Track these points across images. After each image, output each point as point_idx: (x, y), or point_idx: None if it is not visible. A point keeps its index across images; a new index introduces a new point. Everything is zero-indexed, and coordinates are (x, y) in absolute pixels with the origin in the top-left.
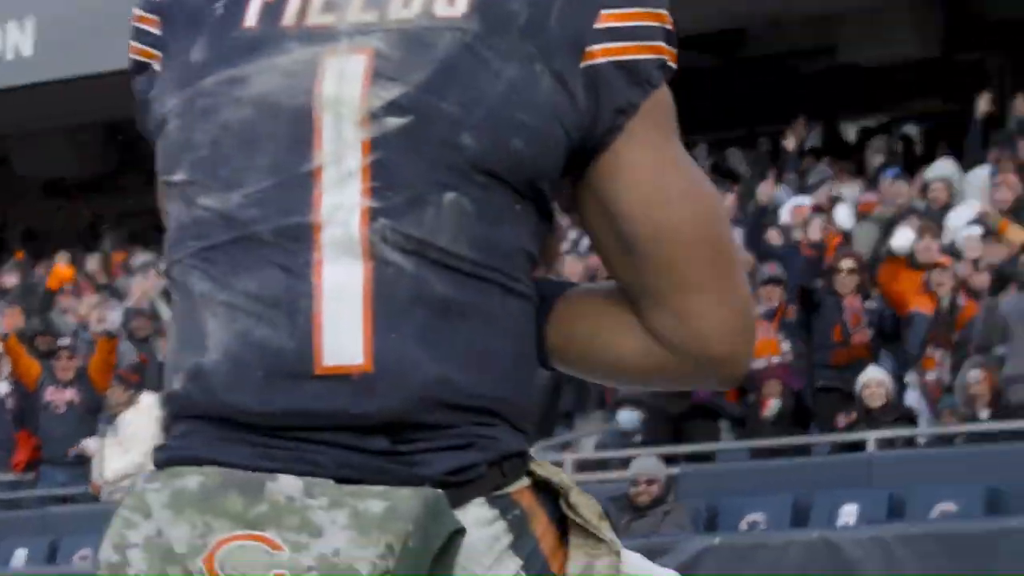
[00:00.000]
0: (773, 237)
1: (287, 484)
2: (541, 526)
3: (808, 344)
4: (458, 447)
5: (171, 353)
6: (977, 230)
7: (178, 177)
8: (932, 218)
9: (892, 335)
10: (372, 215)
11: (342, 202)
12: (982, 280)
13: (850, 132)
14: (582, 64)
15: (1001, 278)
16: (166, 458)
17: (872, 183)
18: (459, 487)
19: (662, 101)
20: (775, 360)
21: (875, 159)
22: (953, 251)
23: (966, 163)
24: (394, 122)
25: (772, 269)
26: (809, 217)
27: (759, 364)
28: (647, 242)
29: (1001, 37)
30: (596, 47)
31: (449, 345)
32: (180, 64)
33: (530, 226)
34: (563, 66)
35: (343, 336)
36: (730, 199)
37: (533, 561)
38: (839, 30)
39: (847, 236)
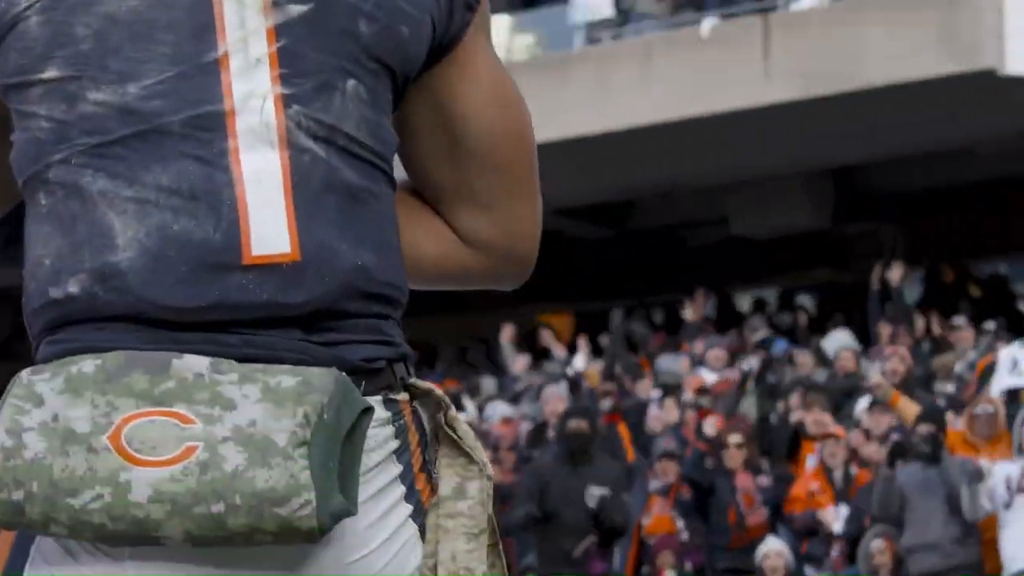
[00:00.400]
0: (670, 409)
1: (193, 361)
2: (414, 442)
3: (705, 524)
4: (367, 341)
5: (53, 258)
6: (866, 401)
7: (50, 74)
8: (829, 390)
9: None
10: (285, 102)
11: (253, 89)
12: (875, 451)
13: (743, 303)
14: None
15: (897, 449)
16: (54, 352)
17: (762, 354)
18: (365, 377)
19: (487, 4)
20: (671, 538)
21: (760, 331)
22: (850, 422)
23: (865, 334)
24: (296, 9)
25: (668, 443)
26: (700, 392)
27: (654, 539)
28: (487, 141)
29: (891, 208)
30: None
31: (359, 232)
32: None
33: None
34: None
35: (268, 225)
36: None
37: (407, 473)
38: (730, 201)
39: (733, 407)
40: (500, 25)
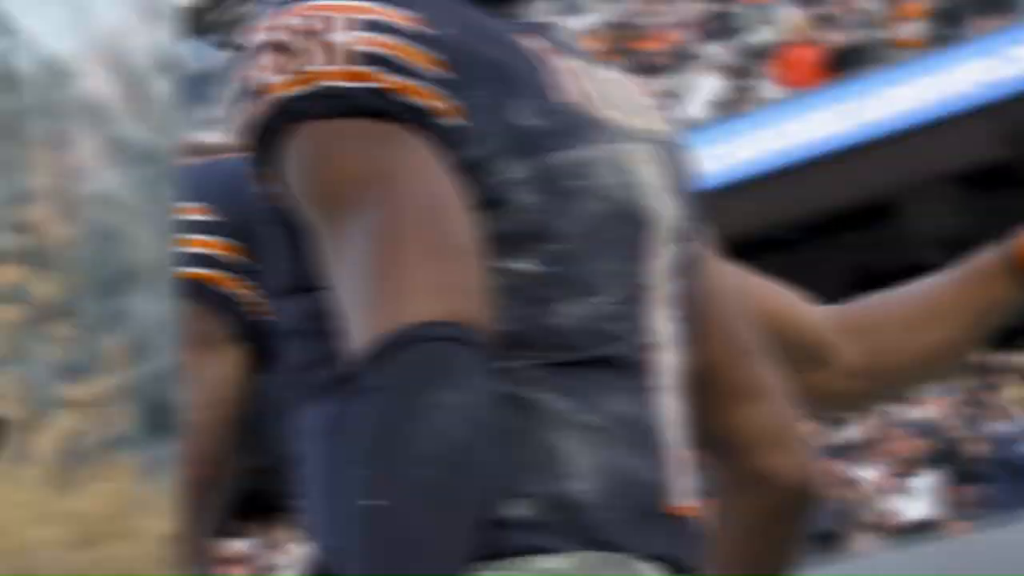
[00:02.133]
0: None
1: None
2: None
3: None
4: None
5: (489, 473)
6: None
7: (522, 266)
8: None
9: None
10: (674, 352)
11: (662, 330)
12: None
13: None
14: None
15: None
16: (501, 548)
17: None
18: None
19: None
20: None
21: None
22: None
23: None
24: (675, 252)
25: None
26: None
27: None
28: None
29: None
30: None
31: None
32: (500, 124)
33: None
34: None
35: (680, 475)
36: None
37: None
38: None
39: None
40: None
